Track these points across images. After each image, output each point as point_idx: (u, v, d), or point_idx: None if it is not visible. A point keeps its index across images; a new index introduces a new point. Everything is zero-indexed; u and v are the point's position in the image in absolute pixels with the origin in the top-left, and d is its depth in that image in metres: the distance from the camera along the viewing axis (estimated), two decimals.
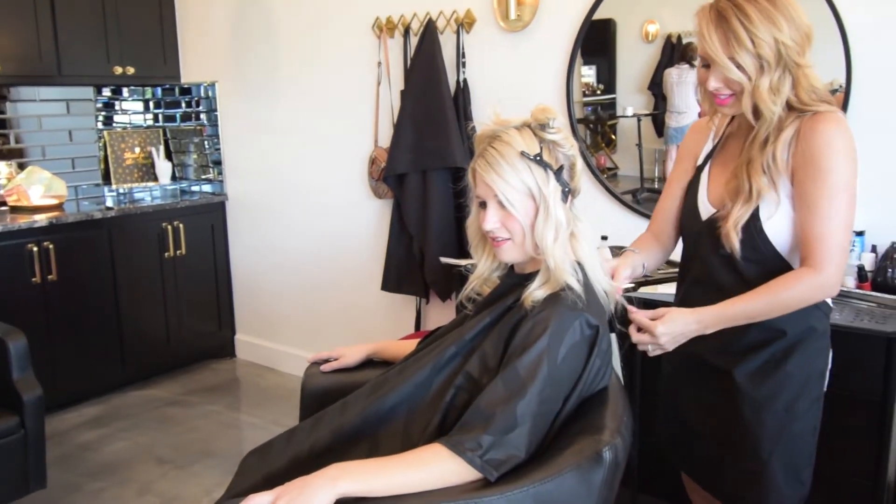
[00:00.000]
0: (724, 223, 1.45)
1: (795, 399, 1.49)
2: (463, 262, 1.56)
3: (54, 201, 3.52)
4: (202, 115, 4.04)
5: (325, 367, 1.70)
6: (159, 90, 4.20)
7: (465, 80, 2.99)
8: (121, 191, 3.91)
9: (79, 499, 2.67)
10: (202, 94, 4.01)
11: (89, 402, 3.51)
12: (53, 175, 3.57)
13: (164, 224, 3.73)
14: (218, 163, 4.02)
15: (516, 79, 2.90)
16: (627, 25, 2.72)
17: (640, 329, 1.43)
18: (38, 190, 3.48)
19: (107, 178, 3.98)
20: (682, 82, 2.61)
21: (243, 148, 3.92)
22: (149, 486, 2.75)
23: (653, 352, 1.43)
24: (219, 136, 3.99)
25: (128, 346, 3.63)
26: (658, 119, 2.75)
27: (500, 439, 1.17)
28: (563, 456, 1.19)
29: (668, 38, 2.63)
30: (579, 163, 1.37)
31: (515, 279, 1.39)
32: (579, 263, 1.34)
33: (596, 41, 2.75)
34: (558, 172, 1.31)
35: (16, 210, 3.40)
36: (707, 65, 1.42)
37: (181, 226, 3.80)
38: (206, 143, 4.05)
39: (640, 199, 2.75)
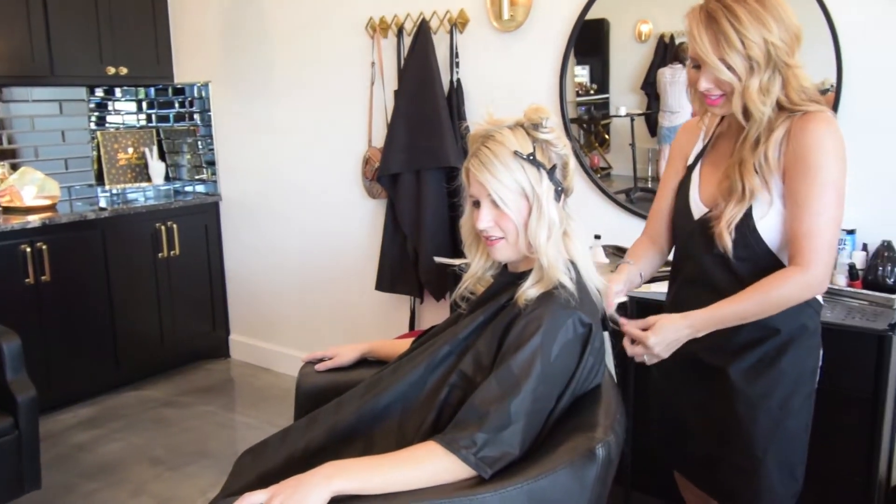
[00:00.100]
0: (718, 223, 1.45)
1: (789, 396, 1.50)
2: (457, 261, 1.56)
3: (47, 202, 3.51)
4: (195, 116, 4.03)
5: (319, 367, 1.71)
6: (152, 90, 4.19)
7: (458, 80, 3.00)
8: (114, 191, 3.90)
9: (73, 500, 2.66)
10: (195, 95, 4.00)
11: (83, 403, 3.50)
12: (46, 176, 3.57)
13: (157, 224, 3.72)
14: (211, 163, 4.02)
15: (510, 79, 2.91)
16: (620, 25, 2.73)
17: (633, 341, 1.44)
18: (31, 191, 3.47)
19: (100, 179, 3.97)
20: (676, 82, 2.62)
21: (237, 148, 3.92)
22: (143, 487, 2.74)
23: (649, 361, 1.44)
24: (212, 136, 3.99)
25: (122, 346, 3.62)
26: (651, 119, 2.76)
27: (494, 437, 1.18)
28: (557, 453, 1.19)
29: (661, 37, 2.64)
30: (572, 162, 1.38)
31: (509, 278, 1.40)
32: (572, 262, 1.35)
33: (589, 41, 2.76)
34: (551, 172, 1.32)
35: (9, 211, 3.39)
36: (697, 65, 1.43)
37: (175, 226, 3.79)
38: (199, 143, 4.04)
39: (634, 199, 2.76)
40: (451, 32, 2.99)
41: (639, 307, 2.11)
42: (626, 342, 1.46)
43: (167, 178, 4.13)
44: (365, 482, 1.14)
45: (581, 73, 2.83)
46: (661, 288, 1.75)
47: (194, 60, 3.95)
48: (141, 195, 3.97)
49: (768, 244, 1.45)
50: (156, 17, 3.86)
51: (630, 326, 1.44)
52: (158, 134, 4.21)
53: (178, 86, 4.04)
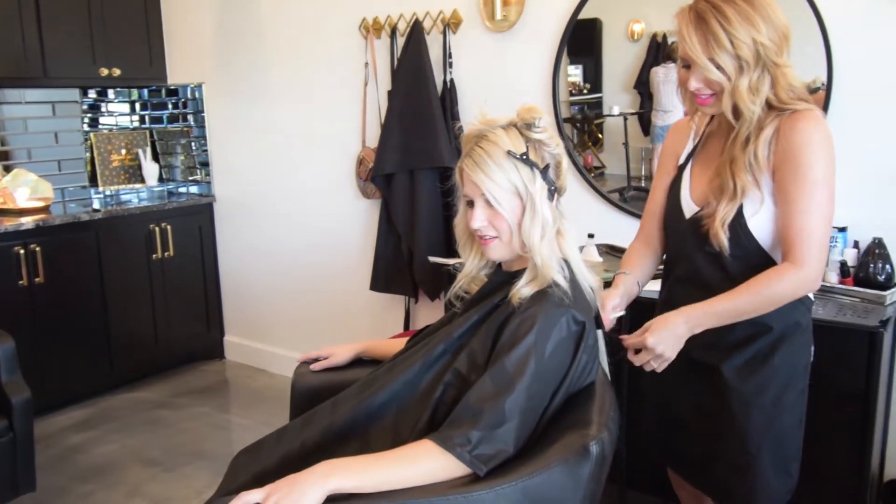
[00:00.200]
0: (711, 221, 1.46)
1: (782, 392, 1.51)
2: (451, 261, 1.57)
3: (41, 203, 3.50)
4: (189, 117, 4.02)
5: (314, 367, 1.71)
6: (146, 91, 4.18)
7: (451, 81, 3.00)
8: (107, 193, 3.89)
9: (68, 502, 2.66)
10: (189, 96, 4.00)
11: (78, 405, 3.49)
12: (39, 177, 3.55)
13: (151, 226, 3.72)
14: (205, 164, 4.01)
15: (503, 78, 2.92)
16: (613, 25, 2.74)
17: (637, 351, 1.45)
18: (25, 192, 3.46)
19: (93, 180, 3.95)
20: (669, 81, 2.62)
21: (231, 149, 3.92)
22: (138, 489, 2.74)
23: (659, 367, 1.44)
24: (206, 137, 3.98)
25: (116, 348, 3.61)
26: (644, 118, 2.77)
27: (488, 435, 1.18)
28: (551, 450, 1.20)
29: (654, 37, 2.65)
30: (565, 161, 1.39)
31: (503, 277, 1.41)
32: (566, 261, 1.36)
33: (582, 41, 2.77)
34: (544, 171, 1.33)
35: (2, 212, 3.38)
36: (687, 65, 1.44)
37: (169, 227, 3.79)
38: (193, 144, 4.04)
39: (627, 198, 2.77)
40: (444, 33, 3.00)
41: (633, 306, 2.12)
42: (630, 355, 1.47)
43: (161, 180, 4.12)
44: (361, 481, 1.15)
45: (574, 73, 2.84)
46: (654, 286, 1.75)
47: (188, 61, 3.94)
48: (134, 196, 3.96)
49: (759, 242, 1.46)
50: (149, 18, 3.85)
51: (630, 338, 1.46)
52: (152, 135, 4.20)
53: (172, 87, 4.03)
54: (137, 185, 4.01)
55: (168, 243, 3.79)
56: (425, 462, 1.18)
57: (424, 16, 3.02)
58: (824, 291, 2.09)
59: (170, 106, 4.11)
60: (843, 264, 2.13)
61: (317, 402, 1.47)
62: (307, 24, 3.45)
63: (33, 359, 3.19)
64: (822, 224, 1.40)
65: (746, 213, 1.45)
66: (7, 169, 3.61)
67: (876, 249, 2.10)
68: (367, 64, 3.25)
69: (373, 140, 3.27)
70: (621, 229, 2.60)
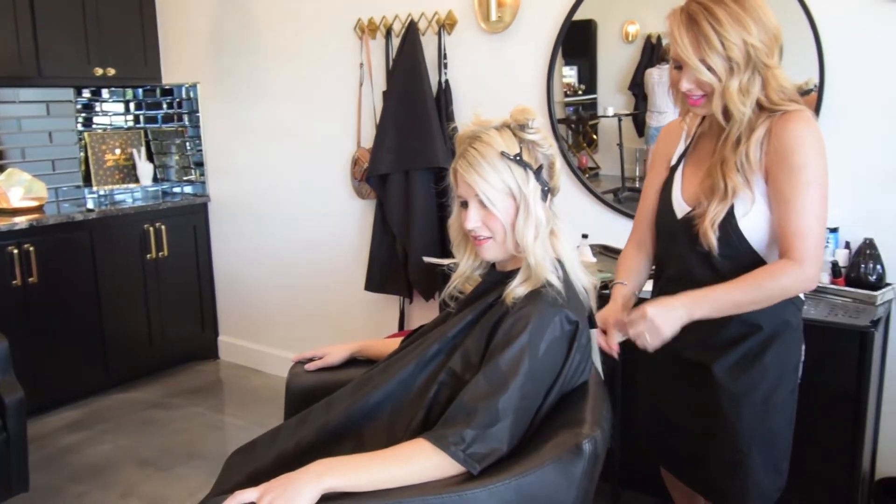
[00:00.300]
0: (702, 221, 1.47)
1: (773, 391, 1.52)
2: (445, 261, 1.58)
3: (34, 203, 3.49)
4: (184, 117, 4.02)
5: (309, 366, 1.71)
6: (140, 91, 4.17)
7: (446, 81, 3.01)
8: (102, 192, 3.88)
9: (61, 502, 2.65)
10: (184, 96, 3.99)
11: (71, 405, 3.48)
12: (33, 177, 3.55)
13: (145, 226, 3.71)
14: (200, 164, 4.01)
15: (498, 79, 2.93)
16: (607, 26, 2.75)
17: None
18: (18, 192, 3.45)
19: (87, 180, 3.95)
20: (663, 82, 2.63)
21: (225, 149, 3.91)
22: (132, 489, 2.74)
23: (652, 343, 1.40)
24: (200, 137, 3.98)
25: (110, 348, 3.61)
26: (639, 119, 2.78)
27: (482, 433, 1.19)
28: (545, 449, 1.21)
29: (648, 38, 2.66)
30: (558, 162, 1.40)
31: (497, 277, 1.42)
32: (559, 261, 1.37)
33: (576, 42, 2.78)
34: (538, 172, 1.34)
35: None
36: (679, 66, 1.46)
37: (163, 227, 3.78)
38: (187, 144, 4.03)
39: (622, 199, 2.78)
40: (439, 34, 3.01)
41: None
42: (627, 329, 1.43)
43: (155, 179, 4.11)
44: (355, 479, 1.15)
45: (569, 74, 2.85)
46: (647, 286, 1.77)
47: (182, 61, 3.94)
48: (129, 196, 3.96)
49: (750, 242, 1.47)
50: (143, 17, 3.84)
51: (628, 317, 1.44)
52: (146, 135, 4.20)
53: (166, 87, 4.03)
54: (132, 185, 4.00)
55: (162, 243, 3.79)
56: (419, 461, 1.18)
57: (419, 16, 3.03)
58: (816, 291, 2.10)
59: (164, 106, 4.11)
60: (834, 265, 2.14)
61: (311, 402, 1.47)
62: (302, 25, 3.45)
63: (27, 359, 3.18)
64: (817, 224, 1.41)
65: (737, 213, 1.46)
66: (1, 168, 3.60)
67: (867, 250, 2.12)
68: (361, 64, 3.26)
69: (368, 140, 3.27)
70: (615, 230, 2.61)
